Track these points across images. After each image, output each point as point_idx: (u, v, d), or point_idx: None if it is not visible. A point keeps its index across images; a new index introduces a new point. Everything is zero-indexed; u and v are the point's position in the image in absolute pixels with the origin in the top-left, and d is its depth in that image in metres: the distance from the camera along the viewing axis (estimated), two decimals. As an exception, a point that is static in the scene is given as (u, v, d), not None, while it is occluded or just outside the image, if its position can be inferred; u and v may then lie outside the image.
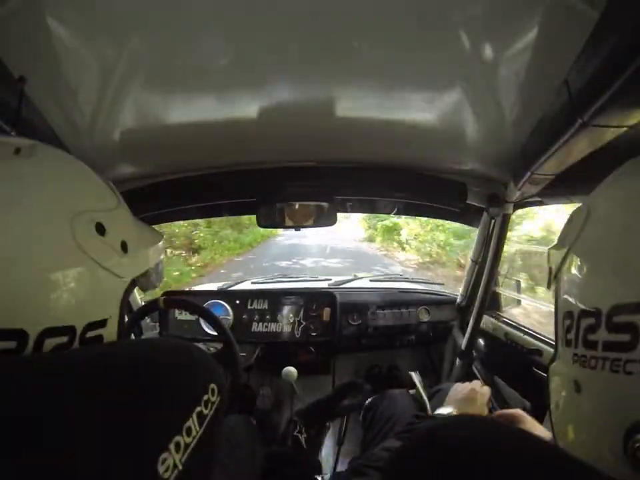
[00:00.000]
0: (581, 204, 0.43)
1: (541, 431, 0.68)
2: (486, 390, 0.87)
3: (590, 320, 0.34)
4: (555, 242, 0.46)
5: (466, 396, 0.84)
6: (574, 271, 0.39)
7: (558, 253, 0.42)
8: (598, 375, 0.32)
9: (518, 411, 0.74)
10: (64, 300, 0.38)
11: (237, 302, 1.47)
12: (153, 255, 0.53)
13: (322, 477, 1.28)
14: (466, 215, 1.37)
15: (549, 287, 0.45)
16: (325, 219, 1.21)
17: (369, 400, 1.26)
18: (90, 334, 0.40)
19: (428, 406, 1.02)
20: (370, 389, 1.13)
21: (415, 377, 1.19)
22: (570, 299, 0.38)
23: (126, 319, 0.52)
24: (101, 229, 0.42)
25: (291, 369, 1.37)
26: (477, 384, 0.89)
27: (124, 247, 0.45)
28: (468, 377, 1.34)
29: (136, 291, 1.44)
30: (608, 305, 0.31)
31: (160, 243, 0.56)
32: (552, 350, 1.02)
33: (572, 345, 0.36)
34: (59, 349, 0.37)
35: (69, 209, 0.39)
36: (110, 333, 0.44)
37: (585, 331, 0.34)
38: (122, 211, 0.48)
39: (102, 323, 0.42)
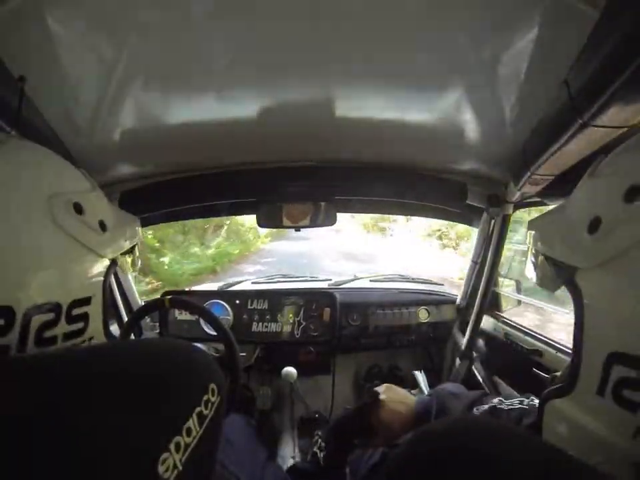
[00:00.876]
0: None
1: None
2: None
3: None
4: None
5: None
6: (626, 302, 0.29)
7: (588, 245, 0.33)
8: None
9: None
10: (48, 277, 0.39)
11: (237, 302, 1.47)
12: (130, 235, 0.56)
13: None
14: (466, 215, 1.37)
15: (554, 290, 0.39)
16: (325, 218, 1.21)
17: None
18: (76, 311, 0.42)
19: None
20: None
21: (420, 376, 1.19)
22: (628, 337, 0.29)
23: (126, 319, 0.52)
24: (78, 208, 0.43)
25: (291, 369, 1.37)
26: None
27: (102, 226, 0.47)
28: (468, 377, 1.34)
29: (136, 290, 1.44)
30: None
31: (136, 226, 0.59)
32: (552, 350, 1.02)
33: (636, 410, 0.27)
34: (46, 326, 0.38)
35: (46, 191, 0.41)
36: (95, 311, 0.45)
37: None
38: (97, 194, 0.50)
39: (87, 301, 0.44)
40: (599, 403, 0.30)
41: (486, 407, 0.63)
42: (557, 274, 0.37)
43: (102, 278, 0.47)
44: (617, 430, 0.28)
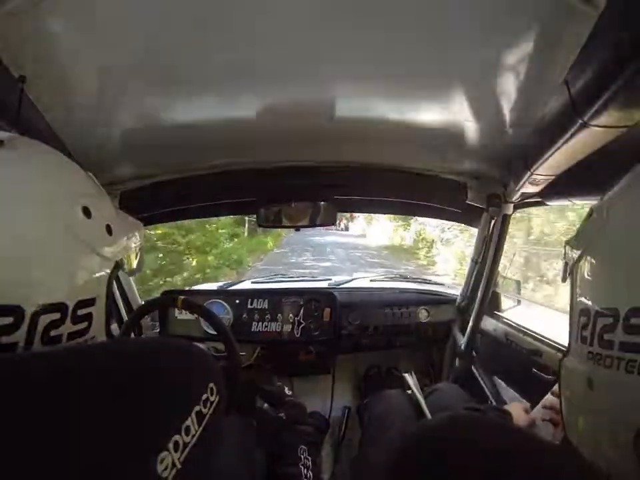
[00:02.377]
0: (597, 201, 0.43)
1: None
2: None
3: (607, 320, 0.34)
4: (573, 237, 0.46)
5: None
6: (592, 269, 0.39)
7: (575, 249, 0.43)
8: (612, 374, 0.33)
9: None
10: (56, 278, 0.41)
11: (237, 301, 1.47)
12: (134, 239, 0.57)
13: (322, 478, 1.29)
14: (466, 215, 1.37)
15: (564, 280, 0.46)
16: (325, 218, 1.22)
17: (366, 400, 1.26)
18: (81, 311, 0.43)
19: (424, 406, 1.01)
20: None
21: (409, 378, 1.19)
22: (587, 297, 0.39)
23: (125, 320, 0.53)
24: (87, 212, 0.44)
25: None
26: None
27: (109, 230, 0.48)
28: (468, 377, 1.34)
29: (136, 290, 1.44)
30: (626, 306, 0.32)
31: (139, 230, 0.60)
32: (552, 351, 1.02)
33: (587, 342, 0.37)
34: (53, 325, 0.39)
35: (58, 193, 0.42)
36: (99, 311, 0.47)
37: (602, 330, 0.35)
38: (104, 198, 0.51)
39: (91, 301, 0.45)
40: (575, 347, 0.40)
41: None
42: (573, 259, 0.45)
43: (107, 279, 0.48)
44: (582, 359, 0.37)
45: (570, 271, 0.43)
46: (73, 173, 0.48)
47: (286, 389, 1.01)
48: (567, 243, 0.46)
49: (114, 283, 0.54)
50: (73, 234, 0.42)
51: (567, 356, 0.44)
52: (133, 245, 0.57)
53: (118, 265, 0.52)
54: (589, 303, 0.38)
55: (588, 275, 0.40)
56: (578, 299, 0.41)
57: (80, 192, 0.46)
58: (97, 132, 0.86)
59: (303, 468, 0.72)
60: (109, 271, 0.49)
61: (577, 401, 0.40)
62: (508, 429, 0.33)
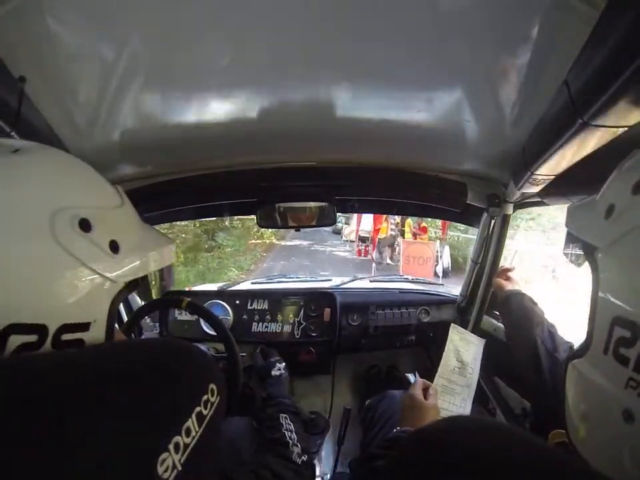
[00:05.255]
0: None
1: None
2: (419, 383, 0.84)
3: None
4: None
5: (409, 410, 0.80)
6: (630, 272, 0.35)
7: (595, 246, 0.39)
8: None
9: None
10: (36, 296, 0.36)
11: (237, 302, 1.47)
12: (157, 260, 0.50)
13: (322, 478, 1.28)
14: (466, 215, 1.37)
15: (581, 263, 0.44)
16: (325, 218, 1.22)
17: (369, 400, 1.26)
18: (66, 336, 0.38)
19: None
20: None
21: (412, 378, 1.19)
22: (628, 304, 0.34)
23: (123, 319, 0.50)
24: (85, 226, 0.40)
25: None
26: (414, 387, 0.83)
27: (114, 247, 0.43)
28: None
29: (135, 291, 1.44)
30: None
31: (167, 248, 0.53)
32: None
33: (628, 365, 0.32)
34: (26, 347, 0.35)
35: (52, 204, 0.38)
36: (94, 338, 0.41)
37: None
38: (121, 211, 0.47)
39: (83, 326, 0.40)
40: (604, 360, 0.36)
41: None
42: (583, 251, 0.44)
43: (109, 303, 0.43)
44: (614, 381, 0.34)
45: (592, 263, 0.40)
46: (83, 182, 0.44)
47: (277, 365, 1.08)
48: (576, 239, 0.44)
49: (120, 305, 0.46)
50: (63, 248, 0.37)
51: (581, 358, 0.40)
52: (154, 264, 0.50)
53: (130, 287, 0.46)
54: (631, 312, 0.32)
55: (622, 277, 0.36)
56: (609, 300, 0.36)
57: (83, 203, 0.41)
58: (96, 132, 0.86)
59: (286, 432, 0.78)
60: (113, 293, 0.43)
61: (606, 429, 0.36)
62: (507, 431, 0.33)
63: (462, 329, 1.04)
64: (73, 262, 0.38)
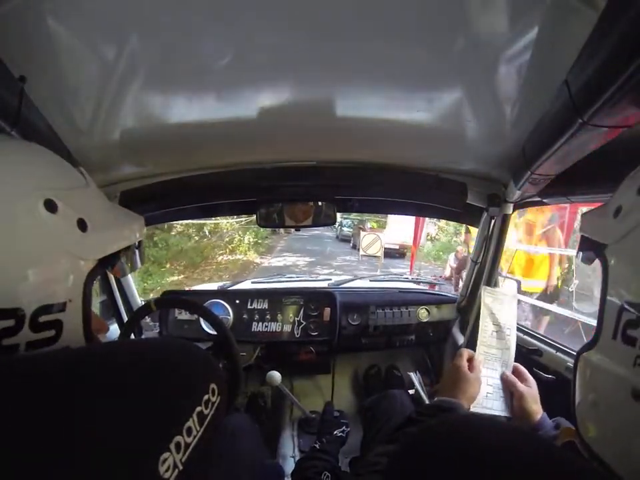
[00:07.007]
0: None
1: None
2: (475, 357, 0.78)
3: None
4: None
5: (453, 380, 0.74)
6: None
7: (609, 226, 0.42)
8: None
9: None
10: (8, 280, 0.36)
11: (237, 302, 1.47)
12: (125, 236, 0.51)
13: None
14: (466, 215, 1.37)
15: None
16: (325, 218, 1.22)
17: (369, 400, 1.26)
18: (44, 318, 0.38)
19: None
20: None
21: (415, 377, 1.19)
22: (631, 290, 0.36)
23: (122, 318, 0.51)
24: (51, 206, 0.40)
25: (274, 374, 1.31)
26: (461, 357, 0.76)
27: (81, 225, 0.43)
28: None
29: (135, 291, 1.44)
30: None
31: (137, 224, 0.55)
32: (552, 350, 1.02)
33: (636, 344, 0.33)
34: (5, 333, 0.36)
35: (15, 188, 0.38)
36: (72, 318, 0.42)
37: None
38: (86, 191, 0.47)
39: (60, 307, 0.40)
40: (612, 345, 0.38)
41: None
42: (594, 252, 0.46)
43: (82, 281, 0.43)
44: (622, 362, 0.35)
45: (602, 260, 0.43)
46: (43, 165, 0.44)
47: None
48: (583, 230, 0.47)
49: (112, 282, 0.49)
50: (30, 229, 0.38)
51: (591, 349, 0.42)
52: (124, 241, 0.51)
53: (102, 264, 0.46)
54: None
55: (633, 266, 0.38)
56: (617, 290, 0.39)
57: (46, 185, 0.41)
58: (96, 132, 0.86)
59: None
60: (86, 271, 0.44)
61: (613, 409, 0.37)
62: (508, 430, 0.33)
63: (492, 288, 0.96)
64: (42, 242, 0.39)
